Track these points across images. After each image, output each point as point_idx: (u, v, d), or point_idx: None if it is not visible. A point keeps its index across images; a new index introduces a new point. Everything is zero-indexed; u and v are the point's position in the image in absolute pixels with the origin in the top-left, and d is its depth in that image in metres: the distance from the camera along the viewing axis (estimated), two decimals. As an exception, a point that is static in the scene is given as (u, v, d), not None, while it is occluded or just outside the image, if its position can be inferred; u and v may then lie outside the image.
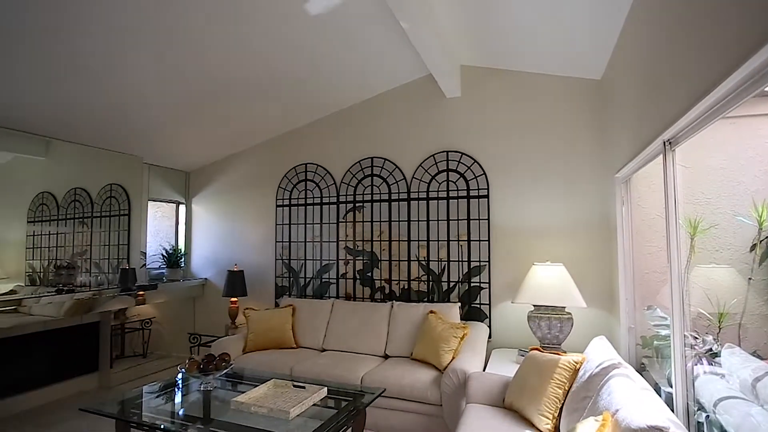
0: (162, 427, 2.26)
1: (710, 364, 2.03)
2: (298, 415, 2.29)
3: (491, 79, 4.03)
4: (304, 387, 2.64)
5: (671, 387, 2.03)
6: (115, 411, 2.43)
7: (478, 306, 3.96)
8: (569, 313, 3.30)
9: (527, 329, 3.43)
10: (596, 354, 2.28)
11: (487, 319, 3.92)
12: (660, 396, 2.06)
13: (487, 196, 3.99)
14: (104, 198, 4.64)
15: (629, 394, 1.63)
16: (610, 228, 3.46)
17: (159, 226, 5.71)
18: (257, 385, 2.65)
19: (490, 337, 3.88)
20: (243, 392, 2.53)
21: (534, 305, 3.38)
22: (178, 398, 2.72)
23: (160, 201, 5.51)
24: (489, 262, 3.95)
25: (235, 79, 3.65)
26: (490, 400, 2.67)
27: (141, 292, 4.81)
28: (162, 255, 5.36)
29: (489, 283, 3.95)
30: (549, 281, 3.30)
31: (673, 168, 1.97)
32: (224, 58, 3.31)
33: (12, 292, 3.87)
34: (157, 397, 2.70)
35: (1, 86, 3.12)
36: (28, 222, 4.03)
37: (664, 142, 1.97)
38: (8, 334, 3.71)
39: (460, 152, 4.11)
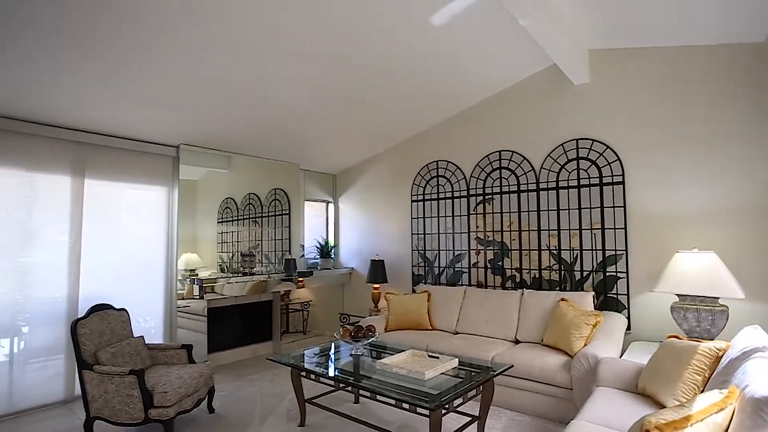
0: (323, 374, 2.83)
1: None
2: (431, 378, 2.64)
3: (623, 59, 3.86)
4: (438, 357, 2.98)
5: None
6: (290, 362, 3.10)
7: (615, 296, 3.83)
8: (724, 306, 3.03)
9: (672, 322, 3.24)
10: (743, 341, 2.15)
11: (626, 310, 3.77)
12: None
13: (622, 183, 3.83)
14: (270, 200, 5.64)
15: (765, 374, 1.59)
16: (776, 211, 3.07)
17: (313, 223, 6.65)
18: (397, 354, 3.08)
19: (629, 329, 3.72)
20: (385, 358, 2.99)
21: (678, 295, 3.18)
22: (334, 357, 3.30)
23: (313, 201, 6.44)
24: (626, 250, 3.79)
25: (372, 88, 4.16)
26: (621, 384, 2.66)
27: (300, 279, 5.73)
28: (316, 247, 6.27)
29: (627, 272, 3.79)
30: (696, 270, 3.08)
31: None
32: (364, 71, 3.82)
33: (212, 276, 5.02)
34: (318, 356, 3.33)
35: (195, 117, 4.13)
36: (217, 222, 5.15)
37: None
38: (213, 305, 4.83)
39: (591, 139, 4.02)
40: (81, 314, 3.23)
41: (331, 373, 2.94)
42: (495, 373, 2.81)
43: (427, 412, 2.36)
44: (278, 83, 3.77)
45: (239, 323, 5.23)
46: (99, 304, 3.26)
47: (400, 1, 2.92)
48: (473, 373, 2.81)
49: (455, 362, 2.91)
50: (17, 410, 3.46)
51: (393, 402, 2.51)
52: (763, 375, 1.56)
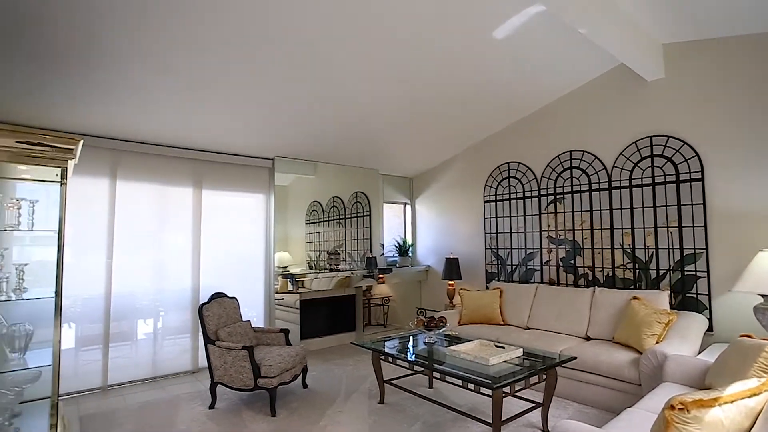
0: (400, 357, 3.22)
1: None
2: (495, 363, 2.91)
3: (701, 51, 3.75)
4: (503, 347, 3.23)
5: None
6: (371, 346, 3.54)
7: (695, 296, 3.75)
8: (815, 307, 2.90)
9: (758, 324, 3.14)
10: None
11: (707, 311, 3.67)
12: None
13: (701, 179, 3.74)
14: (352, 203, 6.18)
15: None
16: None
17: (392, 223, 7.11)
18: (466, 342, 3.38)
19: (711, 330, 3.63)
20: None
21: (762, 295, 3.09)
22: (410, 344, 3.68)
23: (392, 203, 6.89)
24: (706, 249, 3.69)
25: (444, 98, 4.46)
26: (688, 381, 2.71)
27: (381, 276, 6.19)
28: (395, 246, 6.71)
29: (707, 271, 3.69)
30: (781, 269, 2.98)
31: None
32: (435, 83, 4.15)
33: (302, 272, 5.67)
34: (396, 343, 3.73)
35: (288, 134, 4.75)
36: (305, 223, 5.77)
37: None
38: (303, 297, 5.47)
39: (666, 136, 3.95)
40: (201, 302, 3.95)
41: (407, 356, 3.33)
42: (556, 363, 2.99)
43: (489, 392, 2.64)
44: (359, 100, 4.23)
45: (326, 314, 5.83)
46: (217, 293, 3.97)
47: (465, 21, 3.21)
48: (536, 362, 3.02)
49: (519, 351, 3.13)
50: (159, 375, 4.34)
51: (460, 383, 2.83)
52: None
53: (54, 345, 2.66)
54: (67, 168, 2.70)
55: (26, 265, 2.78)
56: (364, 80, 3.88)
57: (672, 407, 1.57)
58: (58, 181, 2.78)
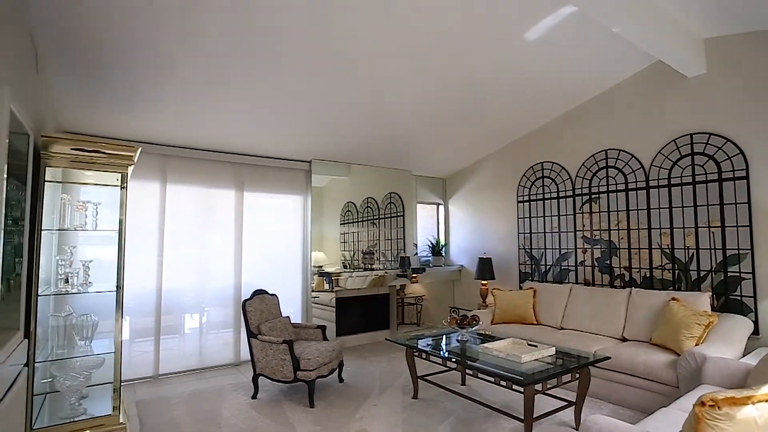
0: (433, 353, 3.30)
1: None
2: (527, 361, 2.95)
3: (744, 45, 3.64)
4: (536, 345, 3.26)
5: None
6: (406, 342, 3.65)
7: (739, 298, 3.64)
8: None
9: (802, 325, 3.04)
10: None
11: (752, 314, 3.56)
12: None
13: (745, 177, 3.63)
14: (386, 204, 6.30)
15: None
16: None
17: (425, 223, 7.18)
18: (499, 340, 3.43)
19: (757, 333, 3.52)
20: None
21: (810, 297, 2.98)
22: (443, 342, 3.76)
23: (425, 203, 6.96)
24: (751, 249, 3.58)
25: (476, 99, 4.51)
26: (729, 384, 2.66)
27: (414, 275, 6.28)
28: (428, 246, 6.78)
29: (752, 273, 3.57)
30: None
31: None
32: (467, 84, 4.20)
33: (337, 271, 5.84)
34: (429, 340, 3.82)
35: (324, 137, 4.92)
36: (340, 224, 5.93)
37: None
38: (339, 295, 5.64)
39: (707, 133, 3.85)
40: (242, 299, 4.17)
41: (440, 353, 3.41)
42: (589, 362, 3.00)
43: (521, 389, 2.69)
44: (393, 103, 4.35)
45: (361, 313, 5.97)
46: (258, 290, 4.18)
47: (495, 24, 3.27)
48: (569, 361, 3.04)
49: (552, 350, 3.16)
50: (205, 366, 4.61)
51: (492, 379, 2.89)
52: None
53: (116, 335, 2.92)
54: (127, 173, 2.96)
55: (91, 261, 3.06)
56: (397, 85, 3.99)
57: (702, 404, 1.59)
58: (118, 185, 3.05)
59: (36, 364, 2.64)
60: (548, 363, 2.99)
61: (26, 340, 2.49)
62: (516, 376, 2.69)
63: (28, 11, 2.47)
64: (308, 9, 2.84)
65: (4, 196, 1.87)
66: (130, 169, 3.00)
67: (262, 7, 2.77)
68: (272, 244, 5.26)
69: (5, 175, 1.86)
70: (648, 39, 3.32)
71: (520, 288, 5.39)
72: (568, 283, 4.91)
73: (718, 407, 1.54)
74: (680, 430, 1.72)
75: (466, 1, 2.95)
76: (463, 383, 3.97)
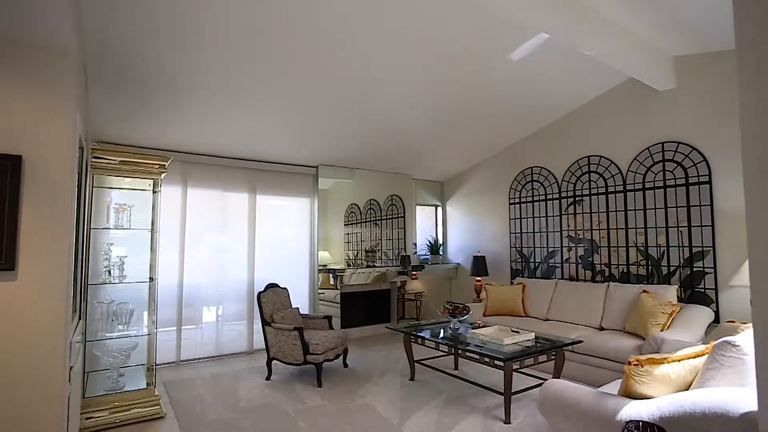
0: (427, 338, 3.74)
1: None
2: (509, 344, 3.38)
3: (710, 63, 4.05)
4: (518, 331, 3.68)
5: None
6: (404, 330, 4.09)
7: (703, 290, 4.05)
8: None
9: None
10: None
11: (714, 304, 3.97)
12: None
13: (708, 182, 4.04)
14: (388, 205, 6.73)
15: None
16: None
17: (424, 224, 7.61)
18: (486, 328, 3.86)
19: (717, 321, 3.92)
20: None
21: (758, 288, 3.38)
22: (437, 330, 4.19)
23: (424, 205, 7.39)
24: (713, 247, 3.99)
25: (472, 110, 4.94)
26: (681, 361, 3.07)
27: (414, 272, 6.71)
28: (427, 245, 7.21)
29: (714, 267, 3.98)
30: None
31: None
32: (463, 97, 4.63)
33: (342, 268, 6.27)
34: (425, 328, 4.25)
35: (330, 144, 5.36)
36: (344, 225, 6.36)
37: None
38: (343, 291, 6.07)
39: (677, 142, 4.27)
40: (255, 293, 4.60)
41: (434, 338, 3.85)
42: (562, 345, 3.42)
43: (502, 365, 3.12)
44: (394, 114, 4.80)
45: (364, 307, 6.40)
46: (271, 283, 4.63)
47: (484, 46, 3.69)
48: (545, 345, 3.46)
49: (532, 335, 3.59)
50: (222, 354, 5.06)
51: (477, 357, 3.32)
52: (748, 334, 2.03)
53: (150, 320, 3.38)
54: (160, 180, 3.41)
55: (125, 257, 3.52)
56: (400, 96, 4.43)
57: (629, 363, 2.02)
58: (149, 190, 3.51)
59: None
60: (527, 346, 3.41)
61: (81, 320, 2.95)
62: (497, 356, 3.12)
63: (83, 40, 2.93)
64: (323, 34, 3.28)
65: (76, 202, 2.32)
66: (163, 175, 3.45)
67: (281, 36, 3.22)
68: (282, 243, 5.71)
69: (76, 185, 2.31)
70: (620, 59, 3.74)
71: (512, 283, 5.81)
72: (555, 278, 5.32)
73: (641, 365, 1.97)
74: (620, 387, 2.15)
75: (461, 27, 3.37)
76: (456, 367, 4.39)
